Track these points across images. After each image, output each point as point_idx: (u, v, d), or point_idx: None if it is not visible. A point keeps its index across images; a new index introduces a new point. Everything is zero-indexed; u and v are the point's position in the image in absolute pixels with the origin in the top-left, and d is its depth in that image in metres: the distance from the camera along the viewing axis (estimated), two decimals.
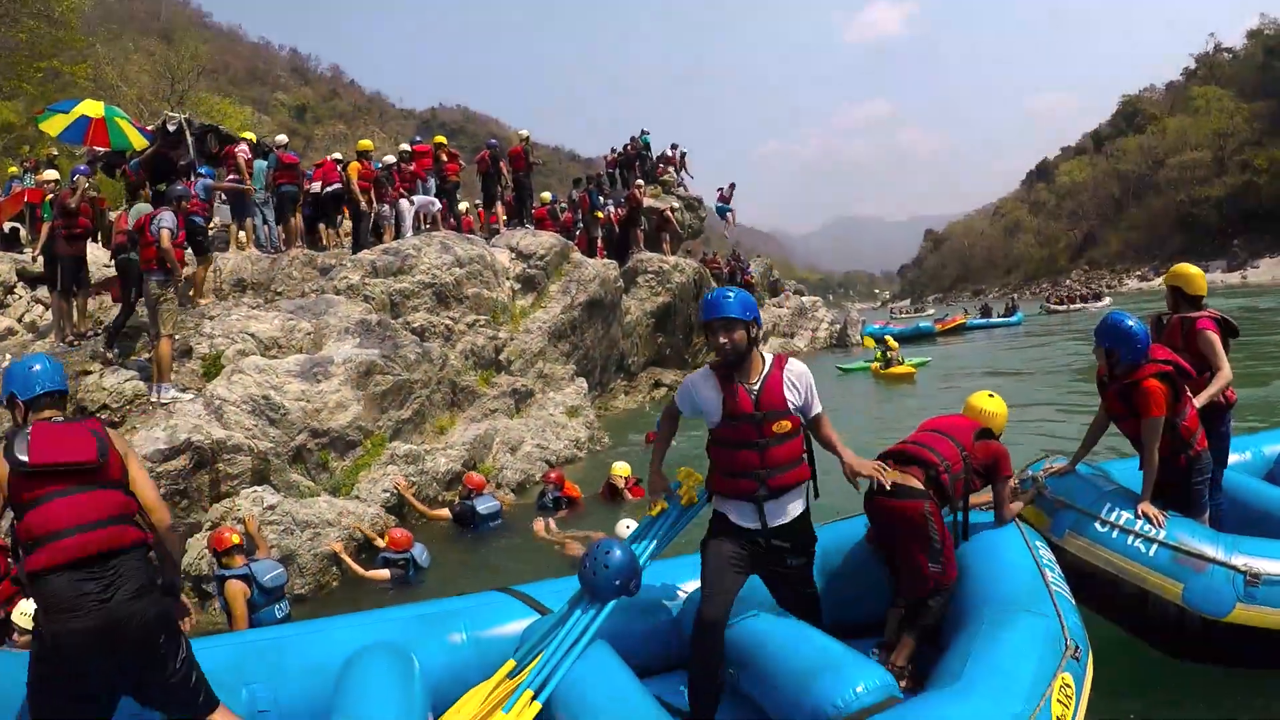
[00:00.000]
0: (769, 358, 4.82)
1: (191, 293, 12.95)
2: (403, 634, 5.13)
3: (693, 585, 5.27)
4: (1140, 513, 5.58)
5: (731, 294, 4.74)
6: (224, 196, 16.54)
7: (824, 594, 5.32)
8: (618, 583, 4.81)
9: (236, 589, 7.33)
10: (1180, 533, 5.47)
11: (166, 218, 10.60)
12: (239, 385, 10.83)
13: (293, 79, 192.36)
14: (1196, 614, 5.23)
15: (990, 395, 5.93)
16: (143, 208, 11.77)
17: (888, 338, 28.63)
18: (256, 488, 9.96)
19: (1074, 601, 4.83)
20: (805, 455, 4.84)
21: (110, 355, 11.19)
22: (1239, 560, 5.24)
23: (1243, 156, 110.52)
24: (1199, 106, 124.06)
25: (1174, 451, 5.80)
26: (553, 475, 11.93)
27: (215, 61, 77.89)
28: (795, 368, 4.81)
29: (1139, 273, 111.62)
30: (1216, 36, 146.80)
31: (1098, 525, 5.65)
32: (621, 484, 11.48)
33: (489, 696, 4.56)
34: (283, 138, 19.99)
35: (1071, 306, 62.55)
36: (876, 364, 26.60)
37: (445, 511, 11.15)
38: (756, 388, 4.68)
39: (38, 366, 4.41)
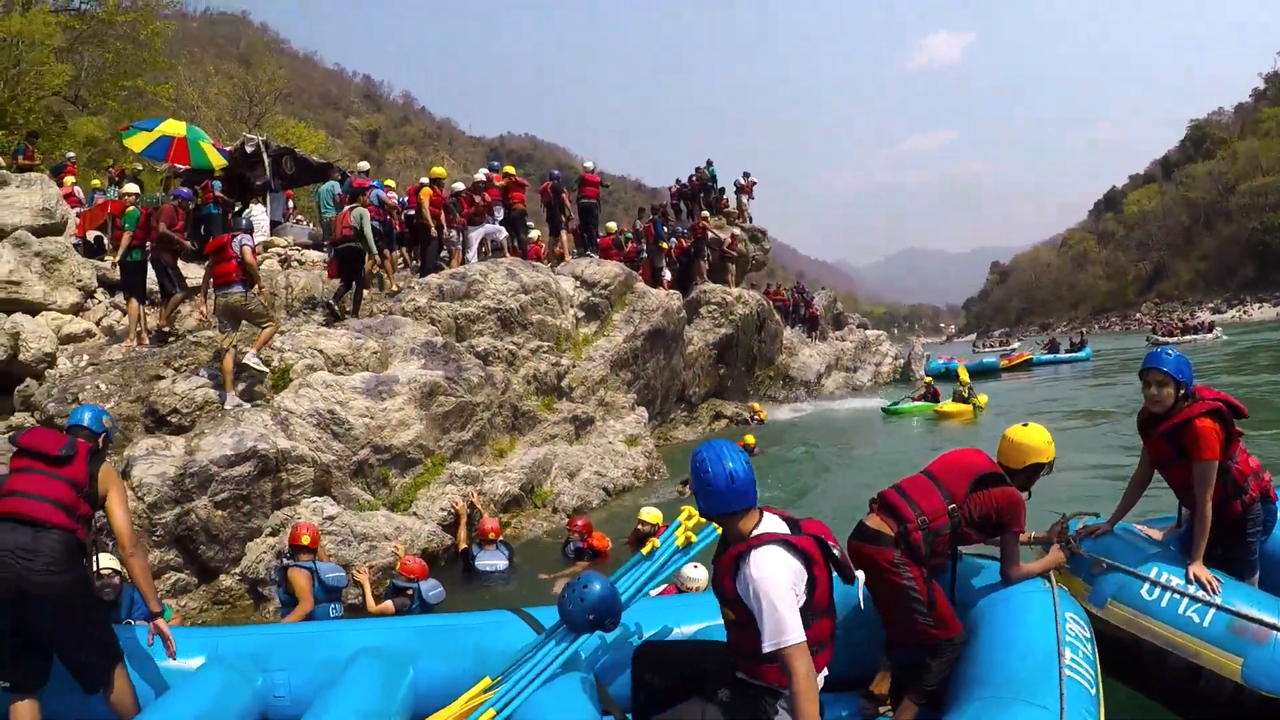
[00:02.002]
0: (760, 528, 4.13)
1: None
2: (408, 642, 5.34)
3: (691, 627, 5.21)
4: (1191, 575, 5.02)
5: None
6: (298, 217, 16.92)
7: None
8: (591, 617, 4.70)
9: (303, 576, 7.53)
10: (1237, 599, 4.90)
11: (246, 238, 11.76)
12: (305, 399, 11.05)
13: (365, 105, 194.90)
14: (1256, 692, 4.62)
15: (1024, 425, 5.19)
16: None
17: (960, 369, 28.06)
18: (317, 498, 10.16)
19: (1095, 689, 4.24)
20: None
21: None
22: None
23: None
24: (1269, 128, 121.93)
25: (1225, 499, 5.22)
26: (579, 523, 10.73)
27: (291, 86, 79.08)
28: (754, 566, 3.96)
29: (1211, 305, 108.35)
30: None
31: (1144, 591, 5.06)
32: (649, 530, 9.45)
33: (458, 710, 4.66)
34: (364, 165, 20.37)
35: (1182, 339, 58.01)
36: (942, 402, 25.12)
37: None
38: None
39: (88, 415, 5.64)
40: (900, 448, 19.58)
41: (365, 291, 14.88)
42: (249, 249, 11.56)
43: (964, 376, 26.54)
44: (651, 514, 9.60)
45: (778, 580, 3.83)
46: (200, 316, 13.24)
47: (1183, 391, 5.24)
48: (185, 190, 14.59)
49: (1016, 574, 4.90)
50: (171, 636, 5.09)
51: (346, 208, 14.57)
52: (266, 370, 11.39)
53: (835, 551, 4.09)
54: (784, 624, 3.75)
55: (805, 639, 3.78)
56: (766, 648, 3.78)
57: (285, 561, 7.81)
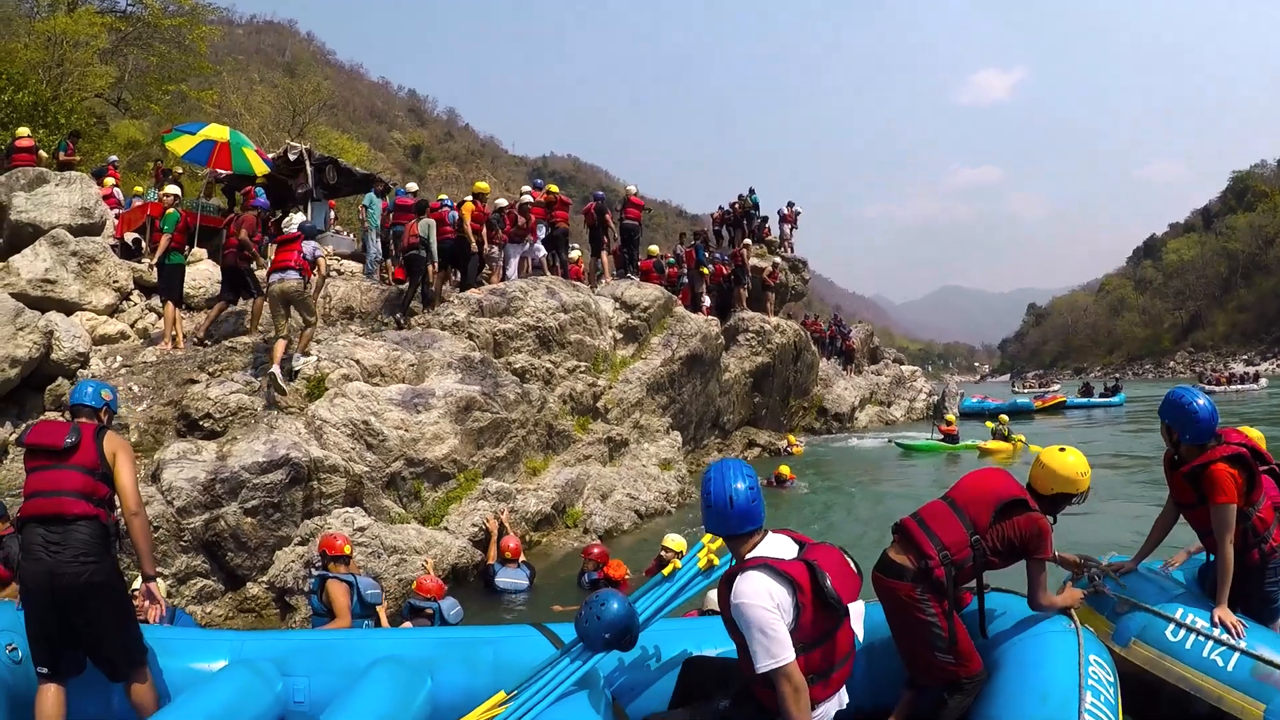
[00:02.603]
0: (758, 551, 4.14)
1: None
2: (429, 652, 5.35)
3: (711, 651, 5.16)
4: (1216, 619, 5.05)
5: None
6: (338, 228, 16.93)
7: (855, 671, 4.76)
8: (608, 635, 4.63)
9: (341, 589, 7.39)
10: (1260, 644, 4.93)
11: (316, 245, 12.62)
12: (340, 408, 10.94)
13: (409, 119, 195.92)
14: None
15: (1061, 450, 5.08)
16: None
17: (1001, 415, 27.77)
18: (348, 509, 10.04)
19: None
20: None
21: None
22: None
23: None
24: None
25: (1246, 546, 5.23)
26: (594, 550, 10.23)
27: (336, 97, 79.68)
28: (736, 591, 4.01)
29: (1245, 357, 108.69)
30: None
31: (1169, 632, 5.09)
32: (671, 558, 8.41)
33: None
34: (413, 186, 20.41)
35: (1229, 387, 58.71)
36: (983, 441, 24.49)
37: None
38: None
39: (89, 390, 5.61)
40: (935, 478, 19.49)
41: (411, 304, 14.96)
42: (322, 259, 12.68)
43: (1003, 418, 26.21)
44: (675, 541, 9.22)
45: (757, 605, 3.84)
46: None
47: (1177, 436, 5.40)
48: (264, 200, 15.66)
49: (1045, 601, 4.81)
50: (162, 599, 5.37)
51: (415, 220, 15.54)
52: (285, 389, 11.28)
53: (827, 582, 3.97)
54: (768, 648, 3.80)
55: (793, 660, 3.81)
56: (758, 670, 3.85)
57: (322, 572, 7.67)
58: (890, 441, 25.62)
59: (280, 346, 11.42)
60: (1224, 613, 5.05)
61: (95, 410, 5.55)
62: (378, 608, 7.88)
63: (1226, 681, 4.81)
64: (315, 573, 7.78)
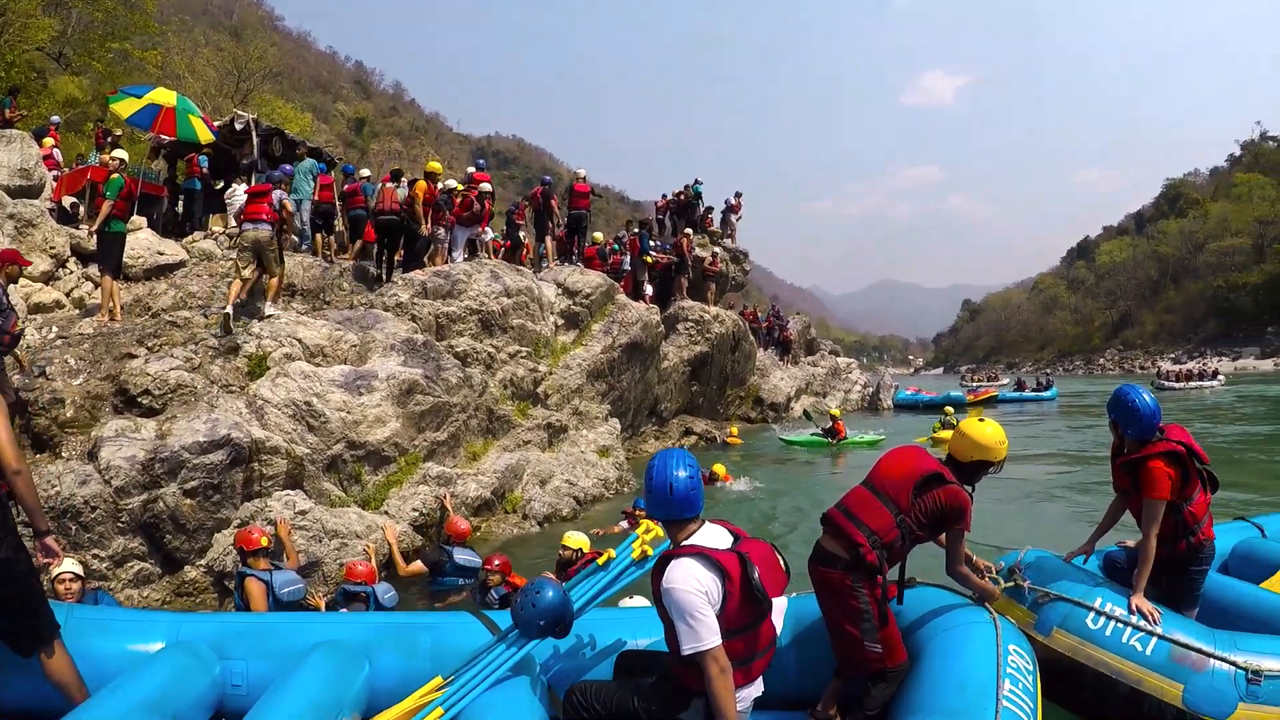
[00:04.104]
0: (693, 539, 4.26)
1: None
2: (368, 637, 5.36)
3: (645, 640, 5.23)
4: (1133, 606, 5.29)
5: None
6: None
7: (782, 663, 5.05)
8: (542, 623, 4.73)
9: (257, 587, 7.31)
10: (1176, 629, 5.20)
11: (284, 194, 13.32)
12: (282, 388, 10.84)
13: (355, 91, 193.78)
14: (1197, 717, 4.96)
15: (980, 421, 5.21)
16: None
17: (948, 408, 27.96)
18: (289, 492, 9.96)
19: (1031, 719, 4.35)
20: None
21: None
22: (1240, 658, 4.99)
23: None
24: (1241, 193, 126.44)
25: (1175, 537, 5.51)
26: (496, 562, 8.69)
27: (281, 65, 78.66)
28: (666, 576, 4.13)
29: (1172, 355, 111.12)
30: (1263, 125, 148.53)
31: (1089, 621, 5.30)
32: (572, 557, 8.79)
33: (407, 707, 4.71)
34: (366, 171, 20.38)
35: (1189, 384, 58.34)
36: (937, 431, 24.64)
37: (419, 564, 9.97)
38: None
39: None
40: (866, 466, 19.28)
41: (346, 284, 14.90)
42: (289, 203, 13.56)
43: (949, 411, 26.89)
44: (574, 539, 9.03)
45: (686, 590, 3.98)
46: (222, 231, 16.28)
47: (1123, 431, 5.68)
48: (288, 167, 15.86)
49: (961, 571, 4.98)
50: (60, 552, 5.10)
51: (391, 185, 16.70)
52: (232, 329, 11.77)
53: (755, 574, 4.11)
54: (695, 631, 3.95)
55: (719, 644, 3.96)
56: (684, 652, 4.01)
57: (241, 569, 7.59)
58: (779, 437, 25.48)
59: (236, 287, 12.15)
60: (1140, 600, 5.28)
61: None
62: (315, 596, 7.84)
63: (1145, 665, 5.07)
64: (236, 571, 7.68)
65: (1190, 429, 5.73)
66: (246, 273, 12.38)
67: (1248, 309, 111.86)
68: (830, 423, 24.74)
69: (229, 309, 11.72)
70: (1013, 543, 6.73)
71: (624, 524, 11.57)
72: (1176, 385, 57.29)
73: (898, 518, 4.79)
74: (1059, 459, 21.96)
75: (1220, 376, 62.78)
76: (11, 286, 12.51)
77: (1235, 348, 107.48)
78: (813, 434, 24.90)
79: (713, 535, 4.29)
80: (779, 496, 16.20)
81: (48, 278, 13.76)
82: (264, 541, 7.69)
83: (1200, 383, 58.90)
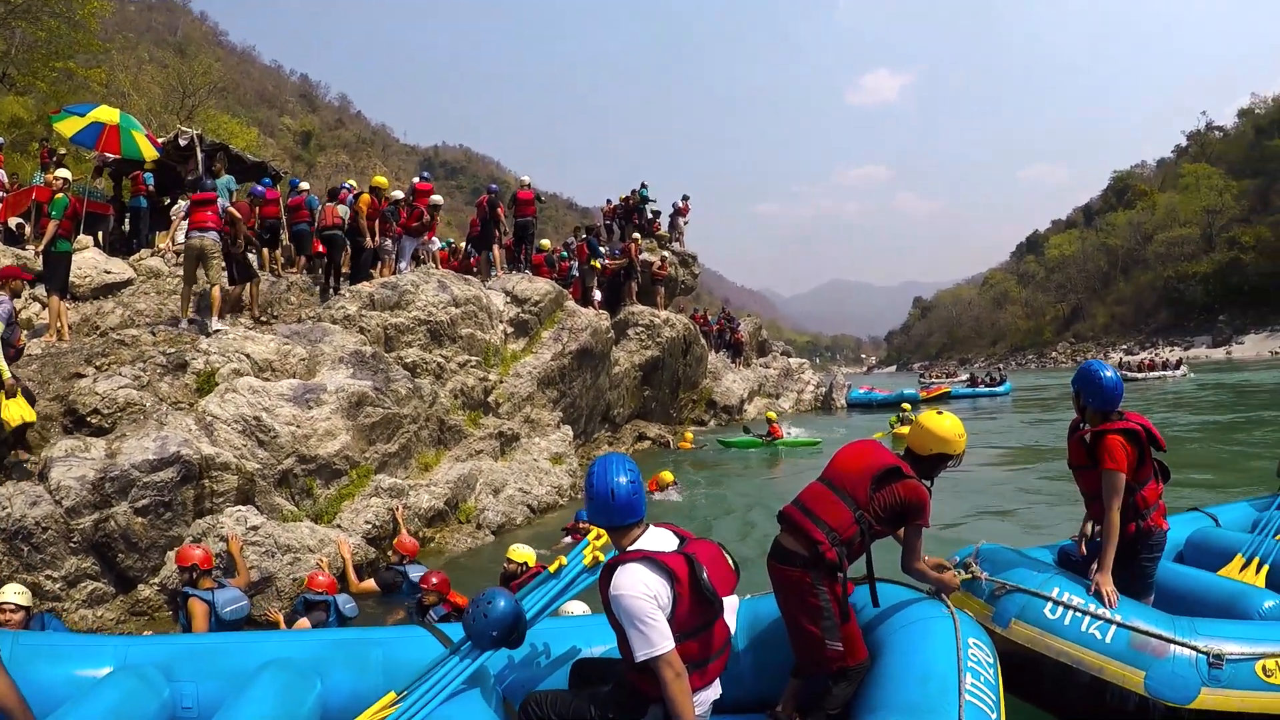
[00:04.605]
0: (639, 544, 4.24)
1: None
2: (317, 655, 5.24)
3: (600, 648, 5.22)
4: (1095, 583, 5.32)
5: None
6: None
7: (738, 666, 5.13)
8: (495, 634, 4.64)
9: (200, 609, 7.29)
10: (1134, 616, 5.20)
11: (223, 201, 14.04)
12: (231, 404, 10.87)
13: (300, 105, 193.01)
14: (1160, 703, 4.95)
15: (939, 414, 5.17)
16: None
17: (905, 404, 28.12)
18: (241, 507, 9.96)
19: (996, 713, 4.32)
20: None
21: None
22: (1201, 642, 5.00)
23: (1230, 234, 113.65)
24: (1189, 183, 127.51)
25: (1125, 519, 5.48)
26: (434, 580, 8.35)
27: (226, 80, 78.17)
28: (614, 584, 4.08)
29: (1124, 346, 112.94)
30: (1208, 115, 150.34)
31: (1047, 611, 5.30)
32: (517, 570, 8.58)
33: None
34: (306, 185, 20.38)
35: (1151, 373, 59.42)
36: (895, 427, 24.26)
37: (372, 583, 9.98)
38: None
39: None
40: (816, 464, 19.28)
41: (294, 298, 15.00)
42: (234, 209, 14.02)
43: (906, 407, 26.73)
44: (518, 553, 8.79)
45: (635, 596, 3.93)
46: (167, 249, 16.52)
47: (1083, 401, 5.76)
48: (264, 186, 17.30)
49: (918, 566, 4.94)
50: None
51: (330, 204, 16.91)
52: (231, 332, 12.59)
53: (703, 575, 4.07)
54: (647, 637, 3.90)
55: (672, 648, 3.91)
56: (637, 659, 3.95)
57: (184, 588, 7.57)
58: (719, 441, 25.43)
59: (217, 294, 12.92)
60: (1104, 579, 5.32)
61: None
62: (271, 610, 7.88)
63: (1105, 653, 5.07)
64: (180, 589, 7.65)
65: (1151, 418, 5.82)
66: (201, 281, 13.11)
67: (1198, 298, 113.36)
68: (766, 425, 24.84)
69: (186, 320, 12.65)
70: (969, 536, 6.80)
71: (566, 539, 11.52)
72: (1139, 375, 57.83)
73: (856, 513, 4.74)
74: (1014, 453, 22.19)
75: (1183, 366, 63.38)
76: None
77: (1186, 337, 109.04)
78: (749, 436, 24.97)
79: (658, 539, 4.27)
80: (723, 499, 16.33)
81: None
82: (198, 555, 7.65)
83: (1163, 372, 59.58)
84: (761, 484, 18.84)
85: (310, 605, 8.10)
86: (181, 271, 14.04)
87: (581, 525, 10.78)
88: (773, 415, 26.10)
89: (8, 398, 9.31)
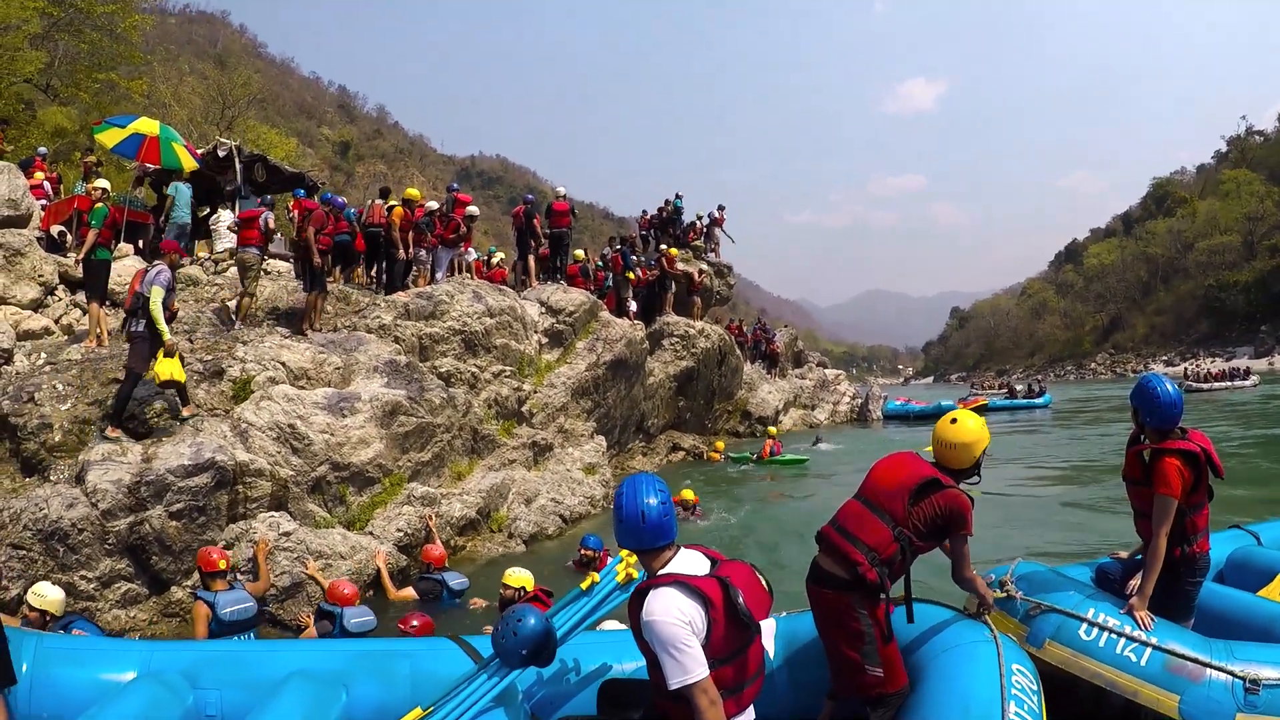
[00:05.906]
0: (670, 567, 4.06)
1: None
2: (344, 665, 5.18)
3: (630, 665, 5.14)
4: (1129, 607, 5.23)
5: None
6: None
7: (773, 684, 5.03)
8: (524, 652, 4.52)
9: (201, 611, 7.41)
10: (1171, 639, 5.07)
11: (270, 214, 14.36)
12: (266, 411, 10.97)
13: (339, 115, 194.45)
14: None
15: (952, 422, 4.93)
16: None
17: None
18: (274, 513, 10.06)
19: None
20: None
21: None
22: (1237, 667, 4.85)
23: (1272, 241, 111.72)
24: (1229, 190, 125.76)
25: (1171, 543, 5.34)
26: (414, 623, 8.00)
27: (266, 91, 78.74)
28: (646, 609, 3.89)
29: (1164, 358, 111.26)
30: (1248, 119, 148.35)
31: (1082, 632, 5.20)
32: (514, 596, 8.18)
33: None
34: (343, 199, 20.55)
35: (1217, 384, 55.82)
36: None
37: (410, 591, 10.10)
38: None
39: None
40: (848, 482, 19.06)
41: (329, 306, 15.10)
42: (270, 219, 14.20)
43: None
44: (514, 577, 8.43)
45: (668, 622, 3.75)
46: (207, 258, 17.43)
47: (1142, 419, 5.60)
48: (340, 199, 17.04)
49: (969, 575, 4.77)
50: None
51: (379, 201, 17.40)
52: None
53: (739, 599, 3.89)
54: (681, 664, 3.71)
55: (707, 675, 3.73)
56: (671, 686, 3.75)
57: (195, 592, 7.70)
58: (730, 456, 24.97)
59: (245, 303, 13.99)
60: (1139, 603, 5.24)
61: None
62: (303, 615, 7.94)
63: (1141, 676, 4.97)
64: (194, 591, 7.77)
65: (1206, 431, 5.69)
66: (253, 288, 14.11)
67: (1239, 308, 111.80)
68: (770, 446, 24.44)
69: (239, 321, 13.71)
70: (1008, 555, 6.68)
71: (569, 564, 11.33)
72: (1204, 386, 55.14)
73: (895, 530, 4.59)
74: (1057, 470, 21.65)
75: (1254, 376, 59.96)
76: (1, 312, 12.80)
77: (1228, 348, 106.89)
78: (746, 453, 24.78)
79: (690, 561, 4.06)
80: (749, 517, 16.12)
81: (37, 305, 13.94)
82: (222, 564, 7.79)
83: (1231, 382, 56.62)
84: (787, 502, 18.67)
85: (321, 614, 8.14)
86: (219, 280, 15.40)
87: (586, 552, 10.69)
88: (774, 431, 25.98)
89: (166, 356, 10.19)
